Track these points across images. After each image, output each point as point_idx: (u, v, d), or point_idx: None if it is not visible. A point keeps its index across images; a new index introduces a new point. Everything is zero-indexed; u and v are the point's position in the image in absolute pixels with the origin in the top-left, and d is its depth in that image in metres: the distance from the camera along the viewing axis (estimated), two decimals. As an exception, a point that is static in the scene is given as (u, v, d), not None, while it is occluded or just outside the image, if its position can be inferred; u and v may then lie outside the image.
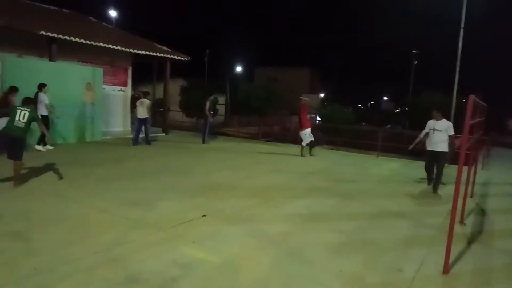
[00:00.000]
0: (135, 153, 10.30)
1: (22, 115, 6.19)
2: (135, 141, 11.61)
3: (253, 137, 18.61)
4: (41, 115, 9.06)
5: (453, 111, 17.44)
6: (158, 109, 20.43)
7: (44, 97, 9.64)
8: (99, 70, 12.36)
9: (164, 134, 15.17)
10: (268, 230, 4.71)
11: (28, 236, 4.05)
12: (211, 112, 13.08)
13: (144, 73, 24.31)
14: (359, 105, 69.16)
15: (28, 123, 6.26)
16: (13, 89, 8.86)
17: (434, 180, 7.31)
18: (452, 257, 3.88)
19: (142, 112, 11.72)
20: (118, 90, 15.14)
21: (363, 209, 6.02)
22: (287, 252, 4.05)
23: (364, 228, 5.01)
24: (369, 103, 78.07)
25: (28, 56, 11.83)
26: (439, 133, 7.02)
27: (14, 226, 4.31)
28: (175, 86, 25.07)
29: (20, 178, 6.22)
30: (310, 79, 56.70)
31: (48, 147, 9.87)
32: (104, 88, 13.01)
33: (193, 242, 4.16)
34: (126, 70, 15.43)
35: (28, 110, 6.31)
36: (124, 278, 3.25)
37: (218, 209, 5.42)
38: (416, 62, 41.00)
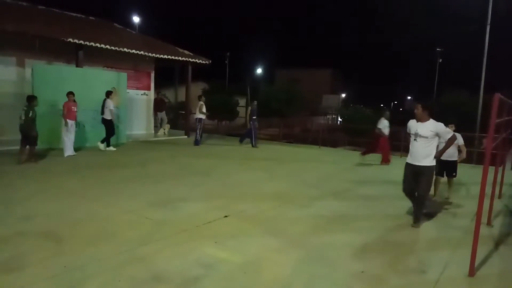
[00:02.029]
0: (159, 155, 10.51)
1: (23, 114, 8.13)
2: (197, 141, 12.75)
3: (273, 138, 18.65)
4: (106, 119, 10.48)
5: (479, 110, 16.95)
6: (180, 112, 20.74)
7: (110, 103, 10.59)
8: (123, 75, 12.68)
9: (186, 136, 15.40)
10: (290, 231, 4.73)
11: (59, 236, 4.22)
12: (254, 117, 13.15)
13: (167, 77, 24.78)
14: (382, 105, 68.02)
15: (26, 119, 8.12)
16: (70, 93, 9.57)
17: (414, 208, 5.21)
18: (478, 260, 3.80)
19: (197, 112, 12.76)
20: (142, 94, 15.49)
21: (387, 210, 5.94)
22: (309, 253, 4.06)
23: (387, 230, 4.96)
24: (392, 103, 76.75)
25: (56, 63, 12.31)
26: (423, 141, 4.80)
27: (46, 226, 4.50)
28: (197, 89, 25.37)
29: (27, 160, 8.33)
30: (331, 79, 56.28)
31: (111, 148, 10.79)
32: (128, 92, 13.34)
33: (215, 242, 4.23)
34: (149, 75, 15.78)
35: (25, 109, 8.15)
36: (149, 277, 3.35)
37: (240, 210, 5.48)
38: (440, 60, 40.02)
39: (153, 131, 15.68)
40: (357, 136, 16.57)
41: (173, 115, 20.96)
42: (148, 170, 8.35)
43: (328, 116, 39.31)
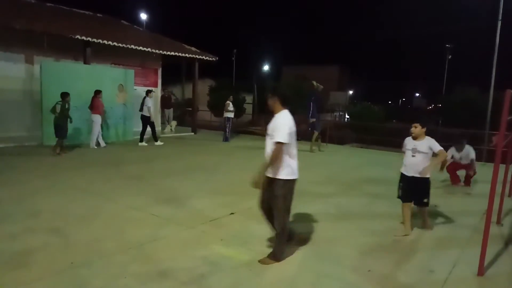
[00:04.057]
0: (166, 152, 10.54)
1: (58, 108, 8.97)
2: (226, 138, 13.20)
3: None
4: (145, 116, 11.24)
5: (489, 108, 16.72)
6: (187, 109, 20.79)
7: (149, 101, 11.16)
8: (131, 72, 12.72)
9: (193, 133, 15.42)
10: (296, 228, 4.70)
11: (65, 232, 4.24)
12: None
13: (174, 74, 24.81)
14: (389, 102, 67.62)
15: (61, 112, 8.94)
16: (98, 92, 10.31)
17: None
18: (487, 259, 3.73)
19: (224, 112, 13.30)
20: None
21: (394, 208, 5.87)
22: (315, 251, 4.03)
23: (395, 228, 4.91)
24: (400, 100, 76.18)
25: (64, 60, 12.38)
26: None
27: (52, 222, 4.53)
28: (204, 86, 25.43)
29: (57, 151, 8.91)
30: (339, 76, 55.98)
31: (159, 142, 11.55)
32: (135, 89, 13.38)
33: (221, 239, 4.22)
34: (156, 71, 15.81)
35: (59, 104, 8.98)
36: (155, 274, 3.35)
37: (246, 207, 5.46)
38: (450, 57, 39.57)
39: (160, 128, 15.72)
40: (365, 133, 16.45)
41: (180, 111, 21.00)
42: (155, 166, 8.37)
43: (335, 113, 39.13)
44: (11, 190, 5.83)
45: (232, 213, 5.15)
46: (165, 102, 15.93)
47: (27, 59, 11.92)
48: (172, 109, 16.21)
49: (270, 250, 3.95)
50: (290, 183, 3.65)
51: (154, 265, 3.52)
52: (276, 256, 3.69)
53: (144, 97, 11.28)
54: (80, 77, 10.88)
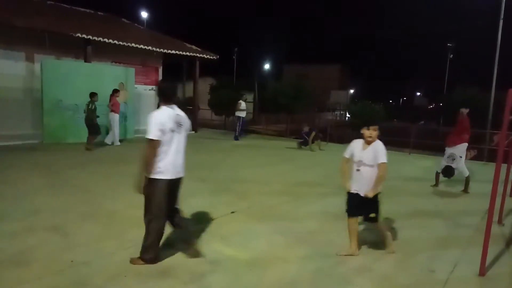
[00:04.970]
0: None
1: (86, 108, 9.70)
2: (237, 137, 13.56)
3: (281, 134, 18.60)
4: None
5: (491, 107, 16.67)
6: (188, 107, 20.76)
7: None
8: (131, 70, 12.71)
9: (193, 132, 15.41)
10: (297, 228, 4.70)
11: (66, 231, 4.23)
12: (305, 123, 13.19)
13: (174, 72, 24.79)
14: (390, 101, 67.56)
15: (90, 111, 9.65)
16: (116, 91, 10.63)
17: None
18: (489, 259, 3.72)
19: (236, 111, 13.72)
20: (149, 89, 15.51)
21: (395, 208, 5.87)
22: (316, 250, 4.02)
23: (396, 228, 4.90)
24: (401, 99, 76.10)
25: (65, 58, 12.37)
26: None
27: (53, 220, 4.52)
28: (205, 85, 25.37)
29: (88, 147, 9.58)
30: (340, 75, 55.84)
31: None
32: (136, 88, 13.37)
33: (221, 238, 4.21)
34: (157, 70, 15.79)
35: (87, 103, 9.63)
36: (155, 273, 3.35)
37: (247, 206, 5.45)
38: (451, 56, 39.49)
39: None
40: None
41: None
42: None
43: (336, 112, 39.09)
44: (11, 188, 5.83)
45: (232, 212, 5.14)
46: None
47: (28, 57, 11.91)
48: None
49: (271, 249, 3.95)
50: (159, 182, 3.37)
51: (154, 264, 3.51)
52: (142, 256, 3.47)
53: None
54: (81, 75, 10.87)
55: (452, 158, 6.89)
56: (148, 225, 3.51)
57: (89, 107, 9.72)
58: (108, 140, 10.72)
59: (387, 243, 4.04)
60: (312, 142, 11.80)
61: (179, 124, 3.48)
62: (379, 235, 4.55)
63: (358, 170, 3.79)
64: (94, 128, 9.84)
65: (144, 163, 3.34)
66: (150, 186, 3.37)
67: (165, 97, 3.54)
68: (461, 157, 6.88)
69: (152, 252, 3.49)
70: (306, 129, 12.13)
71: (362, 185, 3.76)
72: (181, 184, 3.66)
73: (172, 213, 3.63)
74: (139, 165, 3.39)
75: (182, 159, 3.57)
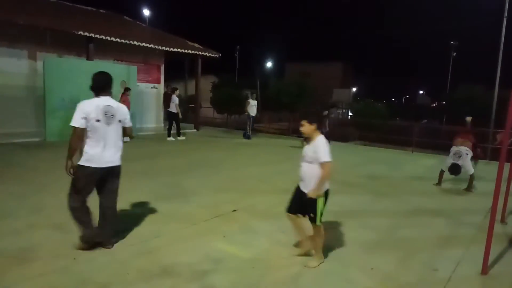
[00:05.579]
0: (169, 149, 10.54)
1: None
2: (246, 134, 13.72)
3: (283, 132, 18.58)
4: (172, 112, 11.96)
5: (494, 105, 16.59)
6: (190, 105, 20.76)
7: (175, 99, 11.95)
8: (133, 68, 12.72)
9: (195, 130, 15.42)
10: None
11: (69, 228, 4.23)
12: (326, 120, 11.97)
13: (176, 70, 24.79)
14: (393, 99, 67.41)
15: None
16: (127, 89, 10.80)
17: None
18: (491, 258, 3.72)
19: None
20: (151, 87, 15.52)
21: (398, 206, 5.87)
22: (318, 248, 4.02)
23: (399, 226, 4.89)
24: (404, 98, 75.89)
25: (67, 56, 12.38)
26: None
27: (55, 218, 4.52)
28: (206, 83, 25.36)
29: None
30: (342, 73, 55.72)
31: (181, 138, 12.20)
32: (138, 86, 13.38)
33: (224, 236, 4.22)
34: (159, 68, 15.80)
35: None
36: (158, 270, 3.35)
37: (249, 204, 5.45)
38: (454, 54, 39.28)
39: (162, 125, 15.72)
40: (368, 131, 16.39)
41: (182, 108, 20.94)
42: (158, 163, 8.37)
43: (338, 111, 39.03)
44: (14, 186, 5.85)
45: (235, 210, 5.14)
46: (169, 99, 15.91)
47: (30, 55, 11.92)
48: None
49: (274, 247, 3.95)
50: (85, 169, 3.52)
51: (157, 261, 3.52)
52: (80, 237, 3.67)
53: (171, 95, 12.10)
54: (83, 73, 10.85)
55: (459, 155, 6.89)
56: (69, 203, 3.69)
57: None
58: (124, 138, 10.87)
59: (315, 251, 3.68)
60: None
61: (109, 115, 3.56)
62: (379, 234, 4.56)
63: (300, 165, 3.64)
64: None
65: (69, 149, 3.48)
66: (78, 171, 3.54)
67: (97, 88, 3.62)
68: (467, 154, 6.88)
69: (79, 227, 3.65)
70: None
71: (303, 181, 3.61)
72: (116, 175, 3.79)
73: (106, 200, 3.79)
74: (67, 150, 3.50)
75: (113, 149, 3.68)
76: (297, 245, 3.92)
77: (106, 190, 3.76)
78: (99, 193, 3.78)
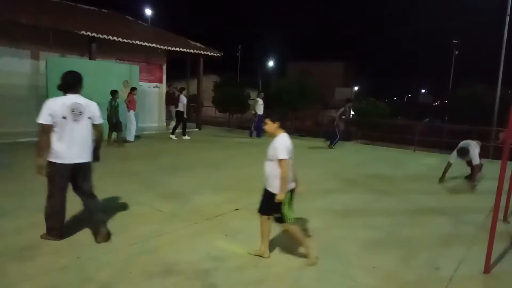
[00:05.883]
0: (171, 148, 10.56)
1: (108, 105, 9.89)
2: (252, 133, 13.81)
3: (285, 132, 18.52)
4: (180, 111, 12.19)
5: (497, 104, 16.53)
6: (192, 105, 20.79)
7: (183, 98, 12.21)
8: (136, 67, 12.73)
9: (197, 129, 15.43)
10: (301, 225, 4.69)
11: (70, 227, 4.26)
12: (343, 117, 12.23)
13: (178, 70, 24.80)
14: (395, 98, 67.21)
15: (109, 110, 9.87)
16: (134, 89, 11.11)
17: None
18: (493, 257, 3.71)
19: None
20: (154, 87, 15.54)
21: (400, 205, 5.86)
22: (320, 247, 4.01)
23: (400, 225, 4.89)
24: (406, 96, 75.72)
25: (70, 55, 12.41)
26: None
27: (59, 217, 4.54)
28: (208, 82, 25.37)
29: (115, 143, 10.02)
30: (344, 72, 55.71)
31: (186, 137, 12.33)
32: (140, 85, 13.39)
33: (226, 235, 4.23)
34: (161, 67, 15.81)
35: (109, 101, 9.92)
36: (160, 269, 3.36)
37: (251, 203, 5.44)
38: (457, 53, 39.17)
39: (165, 124, 15.74)
40: (370, 130, 16.36)
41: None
42: (160, 162, 8.39)
43: (341, 109, 38.89)
44: (16, 185, 5.87)
45: (236, 209, 5.15)
46: (171, 99, 15.93)
47: (33, 54, 11.96)
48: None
49: (276, 245, 3.95)
50: (54, 165, 3.63)
51: (159, 260, 3.53)
52: (46, 230, 3.83)
53: (179, 94, 12.46)
54: (85, 73, 10.78)
55: (468, 144, 7.08)
56: (46, 201, 3.83)
57: (112, 104, 9.95)
58: (130, 137, 11.06)
59: (305, 250, 3.65)
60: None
61: (77, 112, 3.65)
62: (381, 233, 4.55)
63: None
64: (116, 125, 10.09)
65: (37, 146, 3.59)
66: (48, 168, 3.65)
67: (64, 87, 3.75)
68: (476, 145, 7.05)
69: (50, 223, 3.81)
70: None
71: (267, 180, 3.54)
72: (88, 169, 3.88)
73: (83, 196, 3.93)
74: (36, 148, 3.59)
75: (81, 145, 3.72)
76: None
77: (80, 186, 3.89)
78: (75, 190, 3.91)
